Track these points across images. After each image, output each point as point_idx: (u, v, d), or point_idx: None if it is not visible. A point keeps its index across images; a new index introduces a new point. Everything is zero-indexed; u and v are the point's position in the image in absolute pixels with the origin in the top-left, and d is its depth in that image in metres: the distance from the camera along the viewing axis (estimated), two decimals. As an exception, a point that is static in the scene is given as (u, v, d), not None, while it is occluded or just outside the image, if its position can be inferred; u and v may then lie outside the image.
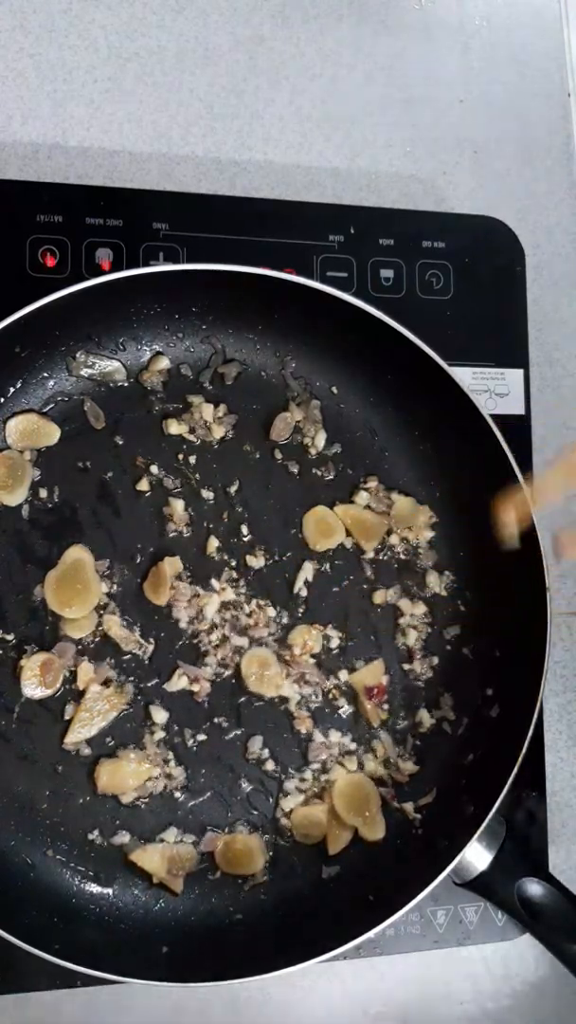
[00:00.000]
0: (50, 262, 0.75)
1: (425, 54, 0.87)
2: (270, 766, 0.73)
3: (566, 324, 0.87)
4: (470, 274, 0.83)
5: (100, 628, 0.71)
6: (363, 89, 0.85)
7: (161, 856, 0.70)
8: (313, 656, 0.74)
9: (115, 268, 0.76)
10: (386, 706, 0.75)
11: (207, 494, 0.74)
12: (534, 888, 0.71)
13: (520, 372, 0.83)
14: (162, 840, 0.70)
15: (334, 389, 0.76)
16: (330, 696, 0.74)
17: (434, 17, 0.88)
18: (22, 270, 0.75)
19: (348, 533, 0.76)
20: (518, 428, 0.83)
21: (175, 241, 0.77)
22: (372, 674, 0.74)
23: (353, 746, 0.74)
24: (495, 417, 0.70)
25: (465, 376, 0.81)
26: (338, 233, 0.81)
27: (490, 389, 0.82)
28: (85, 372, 0.73)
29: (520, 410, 0.83)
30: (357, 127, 0.84)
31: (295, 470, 0.76)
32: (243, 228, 0.79)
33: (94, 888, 0.70)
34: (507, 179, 0.87)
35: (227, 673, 0.73)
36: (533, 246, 0.85)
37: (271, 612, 0.74)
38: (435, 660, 0.76)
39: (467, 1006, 0.78)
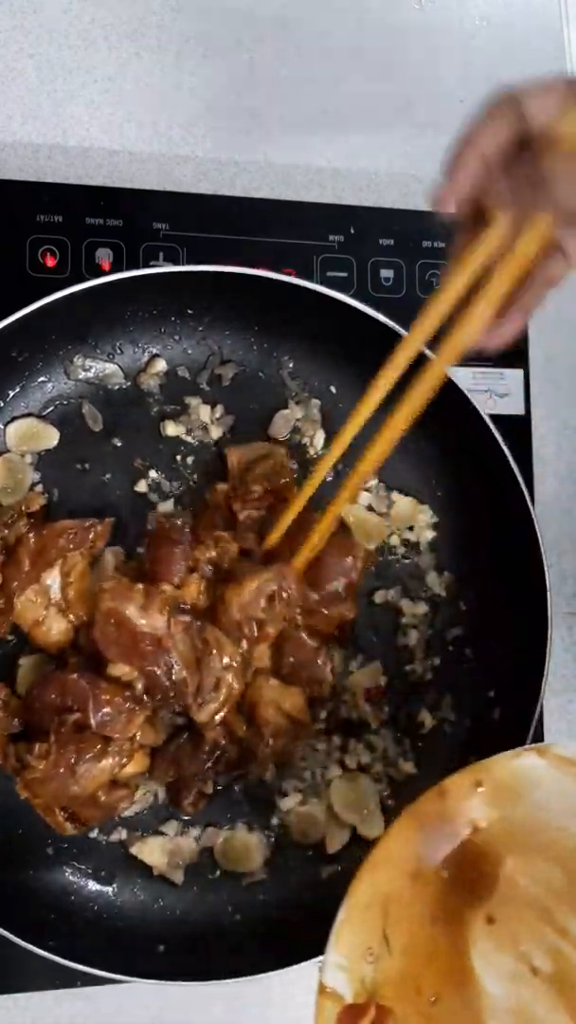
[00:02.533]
0: (50, 262, 0.75)
1: (425, 54, 0.87)
2: (270, 766, 0.73)
3: (566, 324, 0.87)
4: (470, 274, 0.83)
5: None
6: (363, 89, 0.85)
7: (162, 849, 0.70)
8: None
9: (115, 268, 0.76)
10: (387, 708, 0.75)
11: (206, 495, 0.74)
12: None
13: (520, 372, 0.83)
14: (163, 833, 0.71)
15: (333, 388, 0.76)
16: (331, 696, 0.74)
17: (434, 17, 0.87)
18: (22, 270, 0.75)
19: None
20: (518, 428, 0.83)
21: (175, 241, 0.77)
22: (370, 676, 0.74)
23: (352, 745, 0.74)
24: (495, 417, 0.70)
25: (465, 376, 0.81)
26: (338, 233, 0.81)
27: (490, 389, 0.82)
28: (82, 375, 0.73)
29: (520, 410, 0.83)
30: (357, 127, 0.84)
31: (294, 470, 0.75)
32: (243, 228, 0.79)
33: (93, 886, 0.70)
34: (507, 179, 0.87)
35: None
36: (533, 246, 0.85)
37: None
38: (436, 661, 0.76)
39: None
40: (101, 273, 0.74)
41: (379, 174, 0.84)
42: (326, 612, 0.70)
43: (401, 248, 0.82)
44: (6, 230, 0.75)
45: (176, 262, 0.77)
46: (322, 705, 0.73)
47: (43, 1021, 0.71)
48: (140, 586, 0.65)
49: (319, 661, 0.70)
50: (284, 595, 0.68)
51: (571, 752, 0.56)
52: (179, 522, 0.70)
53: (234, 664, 0.67)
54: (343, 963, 0.53)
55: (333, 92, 0.84)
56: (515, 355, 0.83)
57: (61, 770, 0.62)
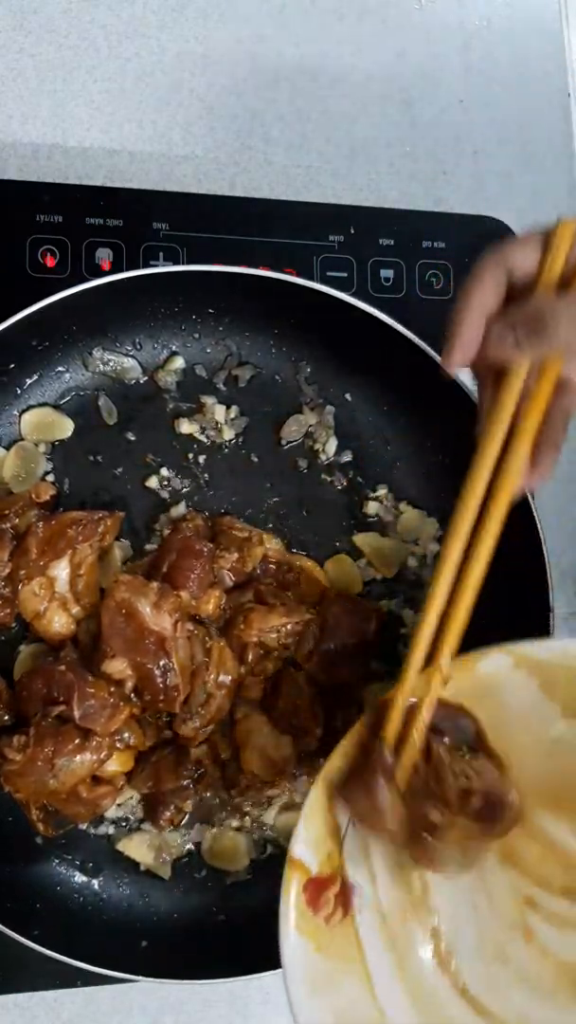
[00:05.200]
0: (50, 262, 0.75)
1: (425, 54, 0.87)
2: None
3: (566, 324, 0.87)
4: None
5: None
6: (363, 89, 0.85)
7: (148, 844, 0.70)
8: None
9: (115, 268, 0.76)
10: None
11: (215, 494, 0.74)
12: None
13: (520, 372, 0.83)
14: (150, 829, 0.71)
15: (348, 396, 0.76)
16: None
17: (434, 17, 0.87)
18: (22, 270, 0.75)
19: (369, 563, 0.76)
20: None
21: (175, 241, 0.77)
22: (383, 693, 0.74)
23: None
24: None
25: (465, 376, 0.81)
26: (338, 233, 0.81)
27: (490, 389, 0.82)
28: (101, 368, 0.73)
29: (520, 410, 0.83)
30: (357, 127, 0.84)
31: (305, 475, 0.76)
32: (243, 228, 0.79)
33: (80, 878, 0.70)
34: (507, 179, 0.87)
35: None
36: (533, 246, 0.85)
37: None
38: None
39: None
40: (102, 273, 0.74)
41: (379, 174, 0.84)
42: (334, 667, 0.71)
43: (401, 248, 0.82)
44: (6, 230, 0.75)
45: (176, 262, 0.77)
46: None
47: (43, 1021, 0.71)
48: (155, 584, 0.66)
49: (310, 710, 0.70)
50: (308, 641, 0.69)
51: (535, 650, 0.58)
52: (200, 524, 0.70)
53: (227, 684, 0.67)
54: (310, 837, 0.54)
55: (333, 92, 0.84)
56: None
57: (39, 763, 0.62)
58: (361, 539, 0.75)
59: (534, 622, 0.69)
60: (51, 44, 0.79)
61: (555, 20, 0.91)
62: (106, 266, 0.76)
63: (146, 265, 0.77)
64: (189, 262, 0.77)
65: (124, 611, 0.64)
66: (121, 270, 0.73)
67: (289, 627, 0.69)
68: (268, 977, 0.65)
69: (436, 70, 0.87)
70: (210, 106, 0.81)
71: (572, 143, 0.89)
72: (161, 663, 0.64)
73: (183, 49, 0.81)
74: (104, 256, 0.76)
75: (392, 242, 0.82)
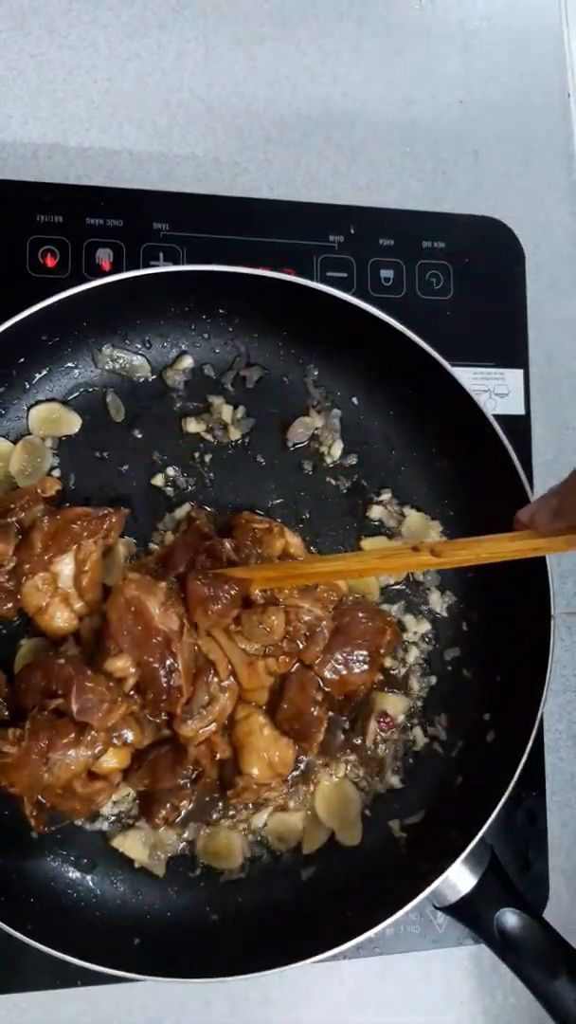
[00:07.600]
0: (50, 262, 0.75)
1: (425, 54, 0.87)
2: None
3: (566, 324, 0.87)
4: (470, 274, 0.83)
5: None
6: (363, 89, 0.85)
7: (143, 841, 0.70)
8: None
9: (115, 268, 0.76)
10: (393, 732, 0.74)
11: (220, 494, 0.74)
12: (513, 919, 0.69)
13: (520, 372, 0.83)
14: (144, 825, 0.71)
15: (355, 400, 0.76)
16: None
17: (434, 17, 0.87)
18: (22, 270, 0.75)
19: None
20: (518, 428, 0.83)
21: (175, 241, 0.77)
22: (394, 704, 0.74)
23: (343, 754, 0.74)
24: (495, 417, 0.70)
25: (465, 376, 0.80)
26: (338, 233, 0.81)
27: (490, 389, 0.82)
28: (110, 365, 0.73)
29: (520, 410, 0.83)
30: (356, 127, 0.84)
31: (309, 477, 0.76)
32: (243, 228, 0.79)
33: (74, 873, 0.70)
34: (507, 179, 0.87)
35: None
36: (533, 246, 0.85)
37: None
38: (433, 680, 0.76)
39: (466, 1005, 0.78)
40: (102, 273, 0.74)
41: (379, 174, 0.84)
42: (344, 673, 0.70)
43: (401, 248, 0.82)
44: (6, 230, 0.75)
45: (176, 262, 0.77)
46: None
47: (43, 1021, 0.71)
48: (164, 584, 0.66)
49: (315, 715, 0.70)
50: (318, 641, 0.69)
51: None
52: (206, 521, 0.71)
53: (231, 685, 0.67)
54: None
55: (332, 92, 0.84)
56: (515, 355, 0.83)
57: (33, 757, 0.61)
58: (369, 544, 0.75)
59: (534, 622, 0.69)
60: (51, 44, 0.79)
61: (555, 20, 0.91)
62: (106, 266, 0.76)
63: (146, 265, 0.77)
64: (189, 262, 0.77)
65: (133, 609, 0.64)
66: (121, 270, 0.73)
67: (307, 618, 0.69)
68: (267, 976, 0.65)
69: (436, 70, 0.87)
70: (210, 106, 0.81)
71: (572, 143, 0.89)
72: (167, 663, 0.64)
73: (183, 49, 0.81)
74: (104, 256, 0.76)
75: (392, 242, 0.82)
